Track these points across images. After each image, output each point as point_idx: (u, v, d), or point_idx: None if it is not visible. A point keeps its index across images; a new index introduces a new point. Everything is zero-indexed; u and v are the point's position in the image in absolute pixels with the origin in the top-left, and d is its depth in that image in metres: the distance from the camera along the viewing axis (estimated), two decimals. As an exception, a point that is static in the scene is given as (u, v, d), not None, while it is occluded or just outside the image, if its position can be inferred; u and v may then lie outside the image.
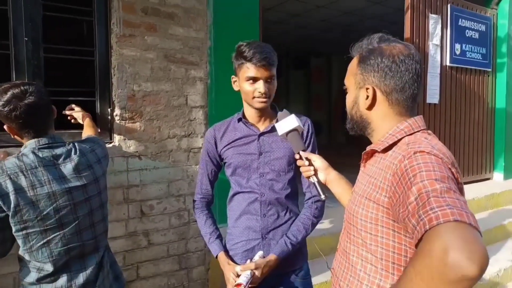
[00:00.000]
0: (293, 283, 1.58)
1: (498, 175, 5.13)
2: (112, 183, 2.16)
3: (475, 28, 4.76)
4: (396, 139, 0.97)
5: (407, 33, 4.14)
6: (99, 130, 1.99)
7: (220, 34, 2.75)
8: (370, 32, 1.09)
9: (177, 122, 2.40)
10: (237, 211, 1.58)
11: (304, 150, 1.30)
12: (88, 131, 1.85)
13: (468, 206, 0.76)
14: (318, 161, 1.30)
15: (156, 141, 2.32)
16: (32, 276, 1.35)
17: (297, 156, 1.31)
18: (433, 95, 4.38)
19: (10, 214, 1.28)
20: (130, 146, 2.24)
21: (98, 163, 1.51)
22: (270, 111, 1.57)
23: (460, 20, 4.59)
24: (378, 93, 1.01)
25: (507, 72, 4.98)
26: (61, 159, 1.40)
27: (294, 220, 1.57)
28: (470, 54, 4.72)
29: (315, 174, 1.26)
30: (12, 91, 1.31)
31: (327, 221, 3.29)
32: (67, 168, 1.40)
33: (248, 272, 1.38)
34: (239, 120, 1.57)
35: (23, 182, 1.29)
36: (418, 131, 0.98)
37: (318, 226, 1.68)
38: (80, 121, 1.99)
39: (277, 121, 1.38)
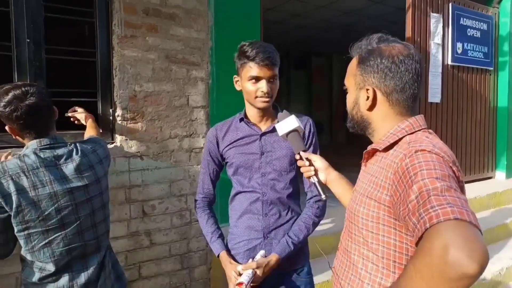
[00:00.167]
0: (295, 282, 1.58)
1: (500, 174, 5.12)
2: (114, 183, 2.16)
3: (477, 27, 4.75)
4: (397, 138, 0.97)
5: (408, 32, 4.14)
6: (101, 131, 1.99)
7: (221, 34, 2.76)
8: (369, 32, 1.09)
9: (179, 122, 2.40)
10: (239, 210, 1.58)
11: (304, 151, 1.31)
12: (90, 132, 1.86)
13: (468, 204, 0.76)
14: (318, 161, 1.30)
15: (157, 141, 2.33)
16: (34, 276, 1.36)
17: (297, 157, 1.32)
18: (434, 94, 4.37)
19: (12, 214, 1.28)
20: (132, 146, 2.24)
21: (99, 164, 1.52)
22: (272, 111, 1.57)
23: (461, 19, 4.58)
24: (379, 94, 1.01)
25: (509, 71, 4.97)
26: (62, 160, 1.40)
27: (295, 220, 1.57)
28: (472, 53, 4.71)
29: (316, 174, 1.27)
30: (13, 92, 1.32)
31: (329, 221, 3.29)
32: (69, 168, 1.40)
33: (250, 271, 1.39)
34: (241, 120, 1.57)
35: (24, 182, 1.29)
36: (419, 130, 0.98)
37: (320, 226, 1.68)
38: (83, 122, 2.00)
39: (277, 122, 1.38)
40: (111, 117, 2.20)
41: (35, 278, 1.36)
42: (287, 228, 1.55)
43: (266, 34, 3.23)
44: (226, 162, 1.60)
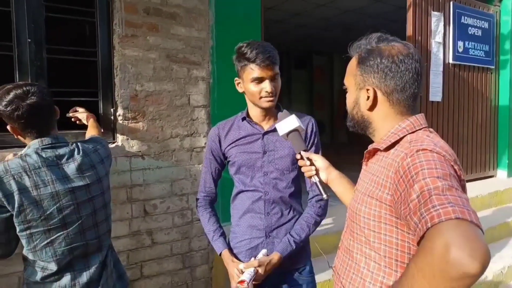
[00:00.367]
0: (297, 281, 1.58)
1: (501, 173, 5.11)
2: (116, 182, 2.17)
3: (478, 25, 4.74)
4: (398, 138, 0.97)
5: (409, 31, 4.13)
6: (102, 130, 1.99)
7: (222, 33, 2.75)
8: (370, 31, 1.09)
9: (180, 122, 2.40)
10: (240, 209, 1.58)
11: (305, 150, 1.31)
12: (91, 132, 1.86)
13: (470, 203, 0.76)
14: (319, 160, 1.30)
15: (159, 141, 2.33)
16: (37, 275, 1.36)
17: (298, 156, 1.32)
18: (436, 93, 4.37)
19: (14, 214, 1.29)
20: (133, 146, 2.25)
21: (101, 163, 1.52)
22: (274, 110, 1.57)
23: (462, 17, 4.57)
24: (379, 94, 1.01)
25: (510, 69, 4.96)
26: (64, 159, 1.40)
27: (297, 219, 1.57)
28: (473, 52, 4.70)
29: (317, 174, 1.27)
30: (14, 91, 1.32)
31: (330, 220, 3.30)
32: (70, 168, 1.41)
33: (252, 269, 1.39)
34: (243, 119, 1.57)
35: (26, 182, 1.30)
36: (419, 129, 0.98)
37: (321, 225, 1.69)
38: (85, 122, 2.00)
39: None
40: (112, 117, 2.21)
41: (37, 278, 1.36)
42: (289, 227, 1.55)
43: (267, 33, 3.23)
44: (228, 161, 1.61)
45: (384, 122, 1.02)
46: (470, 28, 4.66)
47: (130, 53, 2.19)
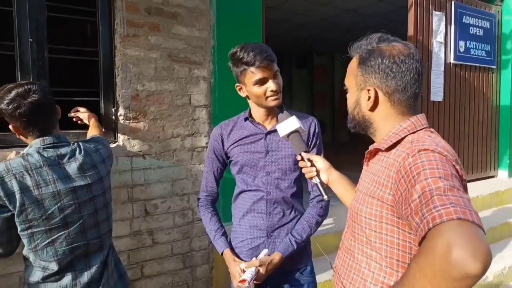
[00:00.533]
0: (298, 281, 1.58)
1: (502, 173, 5.11)
2: (117, 182, 2.17)
3: (480, 25, 4.73)
4: (399, 138, 0.97)
5: (410, 31, 4.13)
6: (103, 130, 2.00)
7: (223, 33, 2.75)
8: (370, 31, 1.09)
9: (181, 122, 2.41)
10: (242, 209, 1.58)
11: (306, 151, 1.31)
12: (93, 131, 1.86)
13: (471, 204, 0.76)
14: (320, 162, 1.30)
15: (160, 141, 2.33)
16: (37, 275, 1.36)
17: (298, 158, 1.32)
18: (437, 93, 4.36)
19: (15, 213, 1.29)
20: (134, 145, 2.25)
21: (102, 163, 1.52)
22: (277, 110, 1.57)
23: (464, 17, 4.57)
24: (380, 94, 1.01)
25: (511, 69, 4.95)
26: (65, 159, 1.41)
27: (299, 219, 1.57)
28: (475, 51, 4.70)
29: (317, 175, 1.27)
30: (16, 90, 1.33)
31: (331, 220, 3.30)
32: (72, 167, 1.41)
33: (253, 268, 1.39)
34: (246, 118, 1.57)
35: (28, 181, 1.30)
36: (421, 129, 0.98)
37: (323, 225, 1.69)
38: (86, 122, 2.00)
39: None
40: (113, 117, 2.21)
41: (38, 277, 1.36)
42: (291, 227, 1.55)
43: (268, 32, 3.23)
44: (231, 161, 1.61)
45: (385, 122, 1.02)
46: (471, 27, 4.65)
47: (132, 52, 2.20)
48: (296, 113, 1.52)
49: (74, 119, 2.05)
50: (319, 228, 1.64)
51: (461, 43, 4.55)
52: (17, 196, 1.28)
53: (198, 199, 1.69)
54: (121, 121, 2.20)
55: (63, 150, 1.41)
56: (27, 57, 1.94)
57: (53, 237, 1.35)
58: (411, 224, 0.81)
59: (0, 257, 1.39)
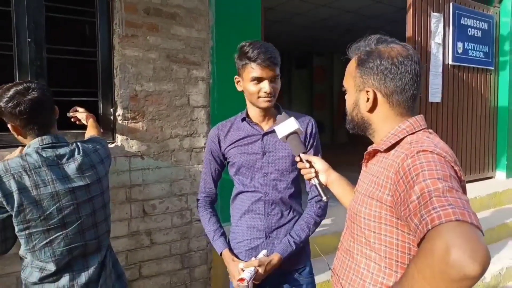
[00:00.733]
0: (297, 282, 1.58)
1: (500, 174, 5.12)
2: (115, 182, 2.17)
3: (478, 27, 4.75)
4: (398, 139, 0.97)
5: (409, 32, 4.13)
6: (101, 130, 1.99)
7: (222, 34, 2.75)
8: (369, 31, 1.09)
9: (179, 122, 2.40)
10: (240, 210, 1.58)
11: (304, 153, 1.31)
12: (91, 131, 1.86)
13: (470, 205, 0.77)
14: (318, 163, 1.30)
15: (158, 141, 2.33)
16: (35, 276, 1.35)
17: (297, 159, 1.31)
18: (435, 94, 4.37)
19: (13, 213, 1.28)
20: (133, 146, 2.24)
21: (101, 163, 1.52)
22: (274, 111, 1.57)
23: (462, 18, 4.58)
24: (379, 96, 1.01)
25: (509, 71, 4.97)
26: (64, 159, 1.40)
27: (297, 219, 1.57)
28: (473, 53, 4.71)
29: (316, 176, 1.27)
30: (15, 88, 1.33)
31: (330, 220, 3.30)
32: (71, 168, 1.40)
33: (252, 268, 1.40)
34: (243, 119, 1.57)
35: (26, 181, 1.29)
36: (419, 130, 0.98)
37: (321, 225, 1.69)
38: (84, 122, 2.00)
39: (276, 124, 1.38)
40: (112, 117, 2.21)
41: (35, 278, 1.35)
42: (289, 227, 1.55)
43: (267, 33, 3.23)
44: (228, 162, 1.60)
45: (384, 124, 1.02)
46: (469, 29, 4.67)
47: (130, 53, 2.19)
48: (293, 113, 1.53)
49: (72, 119, 2.05)
50: (318, 229, 1.64)
51: (459, 45, 4.56)
52: (15, 196, 1.27)
53: (197, 200, 1.69)
54: (120, 122, 2.20)
55: (62, 151, 1.41)
56: (26, 57, 1.94)
57: (51, 238, 1.35)
58: (410, 225, 0.82)
59: None
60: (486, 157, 5.01)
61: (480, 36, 4.78)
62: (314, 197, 1.58)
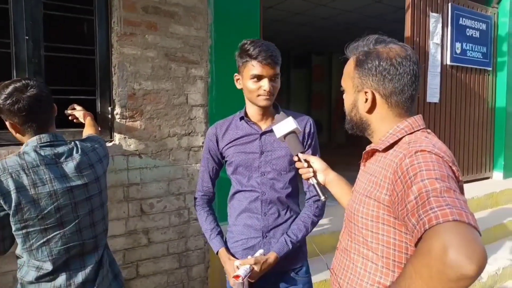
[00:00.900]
0: (293, 281, 1.58)
1: (497, 174, 5.14)
2: (113, 181, 2.16)
3: (476, 27, 4.76)
4: (396, 138, 0.98)
5: (407, 32, 4.14)
6: (99, 129, 1.99)
7: (221, 32, 2.75)
8: (366, 32, 1.09)
9: (178, 121, 2.40)
10: (237, 209, 1.58)
11: (302, 152, 1.31)
12: (89, 130, 1.85)
13: (468, 205, 0.77)
14: (316, 162, 1.30)
15: (156, 140, 2.33)
16: (31, 275, 1.35)
17: (295, 158, 1.31)
18: (433, 94, 4.38)
19: (11, 213, 1.27)
20: (131, 144, 2.24)
21: (99, 162, 1.51)
22: (272, 110, 1.57)
23: (460, 19, 4.59)
24: (377, 97, 1.01)
25: (507, 71, 4.98)
26: (63, 158, 1.40)
27: (294, 219, 1.57)
28: (471, 53, 4.72)
29: (314, 175, 1.27)
30: (13, 85, 1.32)
31: (327, 220, 3.30)
32: (69, 166, 1.40)
33: (247, 266, 1.39)
34: (241, 118, 1.57)
35: (24, 180, 1.29)
36: (418, 130, 0.98)
37: (318, 225, 1.69)
38: (82, 120, 1.99)
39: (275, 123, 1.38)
40: (109, 115, 2.20)
41: (32, 277, 1.34)
42: (286, 227, 1.55)
43: (266, 32, 3.23)
44: (226, 161, 1.60)
45: (382, 124, 1.02)
46: (468, 29, 4.68)
47: (129, 51, 2.19)
48: (291, 112, 1.53)
49: (70, 117, 2.04)
50: (315, 228, 1.64)
51: (458, 45, 4.58)
52: (13, 195, 1.26)
53: (195, 198, 1.69)
54: (118, 120, 2.19)
55: (60, 149, 1.40)
56: (23, 55, 1.93)
57: (48, 237, 1.34)
58: (407, 225, 0.82)
59: None
60: (484, 158, 5.03)
61: (478, 36, 4.79)
62: (312, 197, 1.58)
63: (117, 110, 2.19)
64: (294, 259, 1.58)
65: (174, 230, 2.43)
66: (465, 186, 0.92)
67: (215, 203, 1.74)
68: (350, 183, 1.27)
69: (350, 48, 1.08)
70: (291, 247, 1.50)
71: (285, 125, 1.32)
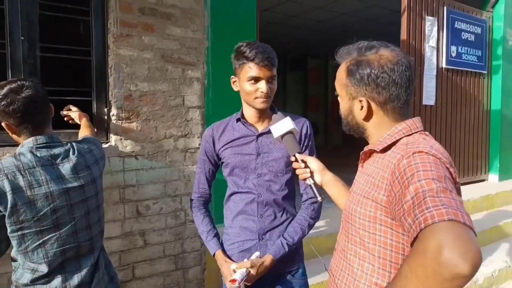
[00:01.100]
0: (290, 283, 1.58)
1: (493, 176, 5.16)
2: (109, 183, 2.15)
3: (471, 31, 4.80)
4: (394, 139, 0.98)
5: (403, 35, 4.16)
6: (95, 130, 1.98)
7: (218, 34, 2.75)
8: (354, 38, 1.08)
9: (174, 122, 2.40)
10: (234, 211, 1.58)
11: (300, 153, 1.31)
12: (84, 131, 1.85)
13: (464, 206, 0.77)
14: (314, 163, 1.30)
15: (152, 141, 2.32)
16: (26, 277, 1.33)
17: (292, 159, 1.31)
18: (429, 97, 4.40)
19: (6, 214, 1.26)
20: (127, 146, 2.23)
21: (95, 164, 1.51)
22: (269, 112, 1.57)
23: (456, 22, 4.62)
24: (373, 104, 1.01)
25: (502, 74, 5.02)
26: (59, 159, 1.39)
27: (291, 221, 1.57)
28: (466, 56, 4.75)
29: (311, 176, 1.27)
30: (8, 86, 1.31)
31: (324, 222, 3.30)
32: (65, 168, 1.39)
33: (244, 269, 1.39)
34: (238, 120, 1.57)
35: (20, 181, 1.27)
36: (416, 132, 0.98)
37: (315, 227, 1.69)
38: (77, 121, 1.98)
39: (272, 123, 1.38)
40: (106, 117, 2.19)
41: (27, 280, 1.33)
42: (282, 229, 1.55)
43: (263, 35, 3.23)
44: (222, 162, 1.60)
45: (379, 129, 1.03)
46: (463, 33, 4.71)
47: (125, 52, 2.18)
48: (288, 114, 1.53)
49: (65, 118, 2.03)
50: (312, 230, 1.64)
51: (453, 48, 4.61)
52: (9, 196, 1.25)
53: (191, 200, 1.68)
54: (114, 121, 2.18)
55: (56, 150, 1.39)
56: (18, 56, 1.92)
57: (44, 239, 1.33)
58: (403, 225, 0.82)
59: None
60: (479, 160, 5.06)
61: (473, 40, 4.83)
62: (308, 199, 1.58)
63: (113, 111, 2.18)
64: (291, 261, 1.57)
65: (170, 232, 2.42)
66: (461, 188, 0.92)
67: (211, 205, 1.73)
68: (347, 185, 1.27)
69: (340, 54, 1.08)
70: (287, 249, 1.49)
71: (283, 125, 1.32)
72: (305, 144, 1.58)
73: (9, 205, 1.25)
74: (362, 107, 1.01)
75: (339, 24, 7.09)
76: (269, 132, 1.51)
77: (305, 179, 1.28)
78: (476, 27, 4.85)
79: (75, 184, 1.40)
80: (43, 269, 1.34)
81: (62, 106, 2.03)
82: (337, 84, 1.09)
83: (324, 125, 11.00)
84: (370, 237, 0.96)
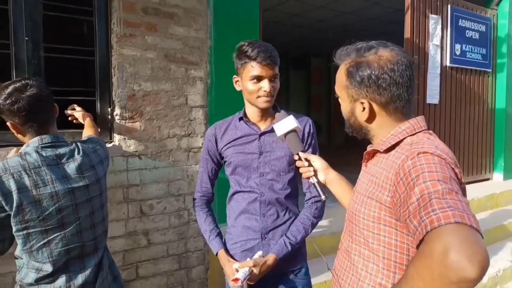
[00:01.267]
0: (293, 283, 1.57)
1: (497, 176, 5.14)
2: (112, 182, 2.16)
3: (475, 29, 4.77)
4: (398, 139, 0.97)
5: (407, 34, 4.14)
6: (99, 130, 1.99)
7: (221, 34, 2.75)
8: (352, 40, 1.07)
9: (177, 122, 2.40)
10: (236, 210, 1.58)
11: (303, 151, 1.30)
12: (88, 131, 1.85)
13: (470, 207, 0.76)
14: (317, 161, 1.30)
15: (156, 141, 2.32)
16: (31, 277, 1.34)
17: (296, 157, 1.31)
18: (433, 96, 4.38)
19: (12, 213, 1.27)
20: (130, 145, 2.24)
21: (100, 164, 1.51)
22: (271, 111, 1.57)
23: (460, 20, 4.59)
24: (375, 106, 1.00)
25: (507, 73, 4.98)
26: (64, 159, 1.39)
27: (293, 220, 1.57)
28: (470, 55, 4.73)
29: (315, 174, 1.26)
30: (13, 85, 1.32)
31: (327, 221, 3.30)
32: (71, 168, 1.39)
33: (247, 268, 1.39)
34: (240, 119, 1.57)
35: (26, 181, 1.28)
36: (420, 132, 0.98)
37: (318, 226, 1.68)
38: (81, 121, 1.99)
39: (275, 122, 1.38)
40: (109, 116, 2.20)
41: (31, 279, 1.34)
42: (285, 228, 1.54)
43: (265, 34, 3.23)
44: (225, 161, 1.60)
45: (382, 130, 1.02)
46: (467, 31, 4.68)
47: (128, 52, 2.19)
48: (291, 113, 1.52)
49: (69, 118, 2.04)
50: (315, 229, 1.64)
51: (457, 46, 4.58)
52: (15, 196, 1.25)
53: (194, 199, 1.68)
54: (117, 121, 2.19)
55: (61, 150, 1.40)
56: (23, 56, 1.93)
57: (49, 238, 1.33)
58: (409, 227, 0.81)
59: None
60: (484, 159, 5.03)
61: (477, 38, 4.80)
62: (311, 197, 1.58)
63: (117, 111, 2.18)
64: (293, 260, 1.57)
65: (173, 231, 2.43)
66: (465, 187, 0.92)
67: (214, 204, 1.73)
68: (351, 183, 1.27)
69: (339, 55, 1.07)
70: (290, 248, 1.49)
71: (286, 123, 1.32)
72: (308, 143, 1.57)
73: (14, 205, 1.26)
74: (364, 108, 1.00)
75: (340, 23, 7.06)
76: (271, 131, 1.51)
77: (308, 178, 1.27)
78: (480, 25, 4.82)
79: (80, 184, 1.40)
80: (48, 268, 1.34)
81: (66, 106, 2.03)
82: (337, 86, 1.08)
83: (327, 125, 10.98)
84: (374, 237, 0.96)
